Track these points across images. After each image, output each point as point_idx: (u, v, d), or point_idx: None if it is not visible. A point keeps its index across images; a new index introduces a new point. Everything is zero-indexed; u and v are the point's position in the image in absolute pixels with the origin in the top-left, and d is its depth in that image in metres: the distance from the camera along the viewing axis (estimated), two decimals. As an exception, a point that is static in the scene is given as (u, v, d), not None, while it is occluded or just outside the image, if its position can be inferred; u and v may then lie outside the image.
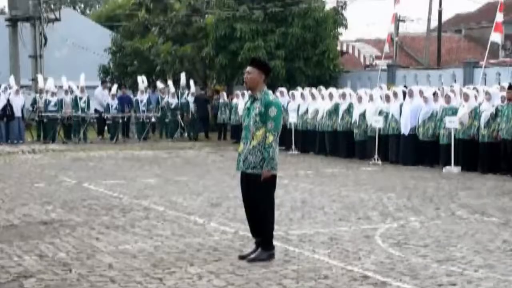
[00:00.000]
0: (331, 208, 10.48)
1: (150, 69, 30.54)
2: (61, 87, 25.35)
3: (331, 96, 19.72)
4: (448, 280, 6.34)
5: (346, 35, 41.68)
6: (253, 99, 7.16)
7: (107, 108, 25.01)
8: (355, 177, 14.69)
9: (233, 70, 27.84)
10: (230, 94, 27.71)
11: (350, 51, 36.75)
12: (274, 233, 7.24)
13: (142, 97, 26.03)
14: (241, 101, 23.36)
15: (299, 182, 13.60)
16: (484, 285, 6.19)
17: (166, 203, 10.95)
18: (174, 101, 26.18)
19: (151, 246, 7.76)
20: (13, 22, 32.96)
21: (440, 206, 10.68)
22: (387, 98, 17.83)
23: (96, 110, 25.59)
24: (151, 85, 29.03)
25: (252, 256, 7.04)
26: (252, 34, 27.16)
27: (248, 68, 7.18)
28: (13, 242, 7.97)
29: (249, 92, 7.33)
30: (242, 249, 7.52)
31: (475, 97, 15.95)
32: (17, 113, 23.71)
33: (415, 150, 16.91)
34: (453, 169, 15.44)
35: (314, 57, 27.83)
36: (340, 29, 29.71)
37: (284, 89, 22.66)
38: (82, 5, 63.96)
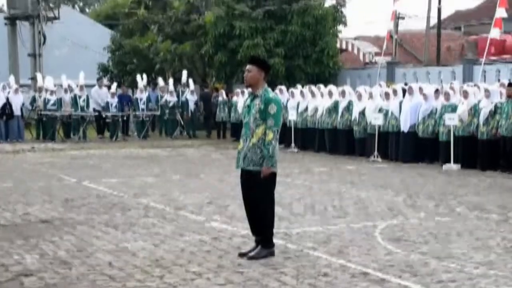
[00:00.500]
0: (331, 205, 10.49)
1: (150, 67, 30.54)
2: (60, 85, 25.36)
3: (330, 93, 19.73)
4: (448, 276, 6.35)
5: (345, 33, 41.59)
6: (253, 96, 7.16)
7: (107, 106, 25.01)
8: (354, 174, 14.70)
9: (233, 68, 27.82)
10: (229, 92, 27.71)
11: (350, 48, 36.75)
12: (274, 230, 7.24)
13: (141, 95, 26.04)
14: (241, 98, 23.36)
15: (298, 180, 13.60)
16: (484, 281, 6.20)
17: (166, 201, 10.96)
18: (172, 99, 26.19)
19: (151, 244, 7.77)
20: (12, 20, 32.94)
21: (440, 203, 10.69)
22: (387, 96, 17.83)
23: (95, 109, 25.61)
24: (151, 83, 29.04)
25: (252, 253, 7.05)
26: (251, 32, 27.14)
27: (248, 66, 7.18)
28: (13, 241, 7.97)
29: (249, 89, 7.34)
30: (242, 247, 7.53)
31: (475, 94, 15.95)
32: (17, 112, 23.73)
33: (414, 147, 16.92)
34: (453, 166, 15.45)
35: (314, 54, 27.82)
36: (340, 27, 29.71)
37: (283, 87, 22.67)
38: (81, 4, 63.94)
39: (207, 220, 9.28)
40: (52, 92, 24.76)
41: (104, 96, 25.69)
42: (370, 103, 18.16)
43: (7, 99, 23.50)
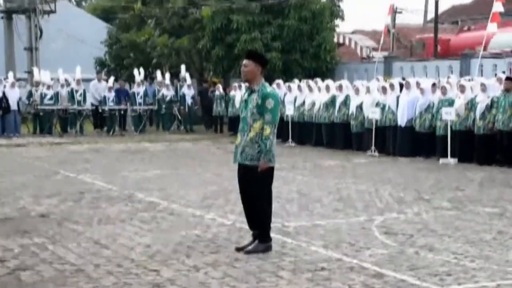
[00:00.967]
0: (328, 200, 10.50)
1: (147, 61, 30.48)
2: (57, 80, 25.32)
3: (328, 88, 19.71)
4: (444, 270, 6.36)
5: (342, 27, 41.58)
6: (251, 91, 7.15)
7: (104, 100, 24.98)
8: (352, 169, 14.71)
9: (230, 62, 27.80)
10: (227, 86, 27.69)
11: (347, 43, 36.74)
12: (271, 225, 7.24)
13: (138, 89, 25.99)
14: (238, 93, 23.34)
15: (295, 174, 13.61)
16: (480, 275, 6.21)
17: (163, 195, 10.96)
18: (169, 94, 26.17)
19: (148, 239, 7.77)
20: (8, 14, 32.83)
21: (437, 197, 10.70)
22: (384, 90, 17.83)
23: (92, 103, 25.59)
24: (148, 77, 29.00)
25: (249, 248, 7.05)
26: (248, 26, 27.11)
27: (245, 61, 7.16)
28: (10, 235, 7.97)
29: (247, 84, 7.33)
30: (239, 241, 7.53)
31: (472, 88, 15.96)
32: (13, 106, 23.65)
33: (411, 141, 16.93)
34: (450, 160, 15.46)
35: (311, 49, 27.80)
36: (337, 21, 29.71)
37: (280, 81, 22.64)
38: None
39: (204, 214, 9.28)
40: (49, 87, 24.72)
41: (102, 90, 25.66)
42: (368, 97, 18.16)
43: (4, 93, 23.44)
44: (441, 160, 15.65)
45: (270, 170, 7.07)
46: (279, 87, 21.58)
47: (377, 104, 17.69)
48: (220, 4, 27.77)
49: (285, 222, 8.67)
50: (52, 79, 25.39)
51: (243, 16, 27.16)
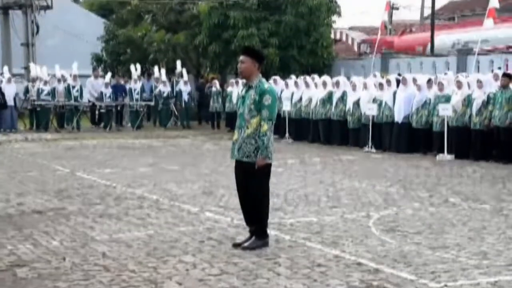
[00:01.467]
0: (325, 196, 10.50)
1: (143, 57, 30.44)
2: (54, 75, 25.28)
3: (324, 84, 19.71)
4: (442, 267, 6.36)
5: (339, 23, 41.69)
6: (248, 87, 7.14)
7: (101, 96, 24.95)
8: (348, 165, 14.71)
9: (227, 58, 27.79)
10: (224, 82, 27.66)
11: (344, 39, 36.74)
12: (268, 221, 7.24)
13: (135, 85, 25.97)
14: (235, 89, 23.33)
15: (292, 170, 13.61)
16: (477, 272, 6.22)
17: (160, 191, 10.95)
18: (166, 90, 26.14)
19: (145, 235, 7.76)
20: (4, 10, 32.80)
21: (433, 194, 10.71)
22: (381, 86, 17.84)
23: (89, 100, 25.57)
24: (145, 73, 28.96)
25: (246, 244, 7.05)
26: (245, 22, 27.08)
27: (241, 57, 7.15)
28: (6, 231, 7.96)
29: (244, 80, 7.32)
30: (236, 237, 7.53)
31: (468, 84, 15.97)
32: (10, 101, 23.63)
33: (408, 137, 16.95)
34: (446, 156, 15.48)
35: (308, 45, 27.80)
36: (334, 17, 29.68)
37: (277, 77, 22.64)
38: (75, -7, 63.55)
39: (201, 210, 9.28)
40: (46, 82, 24.69)
41: (98, 86, 25.63)
42: (364, 93, 18.16)
43: (0, 89, 23.40)
44: (438, 156, 15.67)
45: (268, 167, 7.06)
46: (276, 83, 21.58)
47: (374, 100, 17.70)
48: (217, 0, 27.74)
49: (282, 218, 8.67)
50: (48, 74, 25.36)
51: (240, 12, 27.14)
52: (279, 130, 20.11)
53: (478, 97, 15.31)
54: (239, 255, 6.81)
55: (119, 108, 25.53)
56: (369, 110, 17.50)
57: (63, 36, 37.20)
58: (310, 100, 19.99)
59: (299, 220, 8.61)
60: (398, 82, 17.91)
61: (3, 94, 23.40)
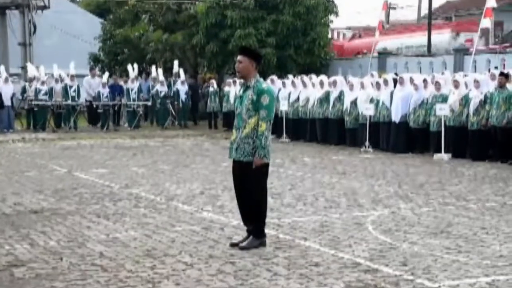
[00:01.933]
0: (322, 195, 10.51)
1: (141, 57, 30.42)
2: (52, 75, 25.26)
3: (322, 83, 19.72)
4: (438, 266, 6.37)
5: (337, 23, 41.69)
6: (246, 87, 7.14)
7: (98, 96, 24.94)
8: (346, 164, 14.72)
9: (224, 58, 27.78)
10: (221, 82, 27.65)
11: (341, 38, 36.75)
12: (266, 220, 7.24)
13: (132, 85, 25.94)
14: (232, 88, 23.33)
15: (290, 170, 13.61)
16: (473, 271, 6.22)
17: (157, 191, 10.95)
18: (163, 89, 26.13)
19: (142, 235, 7.76)
20: (1, 9, 32.76)
21: (431, 193, 10.72)
22: (378, 86, 17.85)
23: (86, 99, 25.56)
24: (143, 73, 28.94)
25: (244, 244, 7.05)
26: (243, 22, 27.07)
27: (239, 57, 7.16)
28: (4, 231, 7.95)
29: (241, 80, 7.32)
30: (234, 237, 7.53)
31: (466, 84, 15.98)
32: (7, 101, 23.61)
33: (405, 137, 16.95)
34: (444, 156, 15.49)
35: (305, 44, 27.80)
36: (331, 17, 29.70)
37: (275, 77, 22.63)
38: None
39: (198, 210, 9.28)
40: (43, 82, 24.66)
41: (95, 86, 25.62)
42: (362, 93, 18.16)
43: (-3, 88, 23.40)
44: (435, 156, 15.68)
45: (265, 166, 7.07)
46: (273, 83, 21.58)
47: (371, 100, 17.71)
48: (214, 0, 27.73)
49: (279, 217, 8.67)
50: (46, 74, 25.34)
51: (237, 11, 27.12)
52: (276, 130, 20.11)
53: (475, 97, 15.33)
54: (236, 254, 6.82)
55: (116, 108, 25.50)
56: (366, 109, 17.51)
57: (60, 35, 37.19)
58: (307, 99, 20.00)
59: (297, 219, 8.61)
60: (395, 81, 17.91)
61: (0, 94, 23.37)
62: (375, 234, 7.76)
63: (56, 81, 24.89)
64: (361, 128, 18.02)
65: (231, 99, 22.82)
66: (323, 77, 20.69)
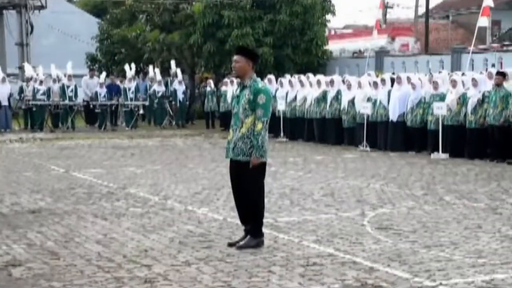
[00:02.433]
0: (320, 195, 10.50)
1: (138, 57, 30.42)
2: (49, 75, 25.25)
3: (319, 83, 19.72)
4: (437, 265, 6.37)
5: (334, 22, 41.75)
6: (242, 86, 7.14)
7: (95, 96, 24.92)
8: (343, 163, 14.72)
9: (221, 58, 27.78)
10: (218, 81, 27.67)
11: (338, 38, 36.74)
12: (263, 220, 7.24)
13: (130, 85, 25.93)
14: (230, 88, 23.32)
15: (287, 169, 13.61)
16: (472, 270, 6.22)
17: (154, 191, 10.94)
18: (161, 89, 26.12)
19: (140, 234, 7.75)
20: (-1, 9, 32.73)
21: (428, 192, 10.73)
22: (375, 85, 17.85)
23: (84, 99, 25.55)
24: (140, 73, 28.93)
25: (241, 243, 7.05)
26: (240, 21, 27.09)
27: (235, 57, 7.15)
28: (1, 231, 7.94)
29: (238, 80, 7.31)
30: (231, 236, 7.53)
31: (463, 83, 15.99)
32: (4, 101, 23.60)
33: (403, 136, 16.96)
34: (441, 155, 15.50)
35: (302, 44, 27.81)
36: (328, 16, 29.71)
37: (272, 77, 22.64)
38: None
39: (196, 209, 9.27)
40: (41, 82, 24.65)
41: (93, 86, 25.61)
42: (359, 92, 18.17)
43: (-5, 89, 23.37)
44: (433, 155, 15.69)
45: (262, 166, 7.06)
46: (270, 83, 21.59)
47: (369, 99, 17.72)
48: (211, 0, 27.73)
49: (277, 217, 8.67)
50: (44, 74, 25.32)
51: (234, 11, 27.14)
52: (273, 129, 20.12)
53: (474, 96, 15.33)
54: (234, 254, 6.81)
55: (113, 108, 25.48)
56: (364, 109, 17.52)
57: (58, 35, 37.18)
58: (304, 99, 20.00)
59: (294, 218, 8.61)
60: (392, 81, 17.92)
61: (-3, 94, 23.36)
62: (372, 233, 7.76)
63: (54, 81, 24.86)
64: (358, 128, 18.02)
65: (228, 99, 22.82)
66: (320, 76, 20.69)
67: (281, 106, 20.29)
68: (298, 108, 20.23)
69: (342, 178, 12.41)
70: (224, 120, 23.88)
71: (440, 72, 19.26)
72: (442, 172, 13.19)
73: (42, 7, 33.26)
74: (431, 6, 37.49)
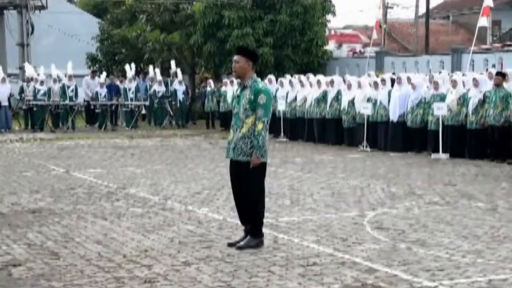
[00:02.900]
0: (320, 195, 10.50)
1: (138, 57, 30.42)
2: (50, 75, 25.25)
3: (319, 83, 19.72)
4: (436, 265, 6.37)
5: (334, 22, 41.75)
6: (243, 87, 7.14)
7: (96, 96, 24.93)
8: (343, 164, 14.72)
9: (222, 58, 27.78)
10: (219, 81, 27.68)
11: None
12: (263, 220, 7.24)
13: (130, 85, 25.93)
14: (230, 88, 23.32)
15: (287, 169, 13.61)
16: (472, 270, 6.23)
17: (154, 191, 10.94)
18: (161, 89, 26.12)
19: (140, 234, 7.75)
20: (-1, 10, 32.73)
21: (428, 192, 10.72)
22: (376, 85, 17.85)
23: (85, 99, 25.57)
24: (140, 73, 28.93)
25: (241, 243, 7.05)
26: (240, 22, 27.09)
27: (235, 57, 7.16)
28: (1, 231, 7.94)
29: (238, 80, 7.32)
30: (231, 236, 7.53)
31: (464, 83, 15.99)
32: (4, 101, 23.60)
33: (403, 136, 16.95)
34: (441, 155, 15.49)
35: (303, 44, 27.82)
36: (328, 16, 29.72)
37: (272, 77, 22.64)
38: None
39: (196, 209, 9.27)
40: (42, 82, 24.65)
41: (94, 86, 25.62)
42: (359, 92, 18.16)
43: (-5, 89, 23.37)
44: (433, 155, 15.68)
45: (263, 166, 7.06)
46: (270, 83, 21.60)
47: (369, 99, 17.71)
48: (212, 0, 27.74)
49: (277, 217, 8.67)
50: (44, 74, 25.32)
51: (234, 11, 27.14)
52: (274, 129, 20.13)
53: (474, 96, 15.32)
54: (234, 254, 6.81)
55: (114, 108, 25.48)
56: (364, 109, 17.51)
57: (58, 36, 37.19)
58: (305, 99, 20.00)
59: (294, 219, 8.61)
60: (392, 81, 17.92)
61: (-3, 94, 23.35)
62: (373, 234, 7.76)
63: (54, 81, 24.87)
64: (358, 128, 18.02)
65: (229, 99, 22.82)
66: (320, 76, 20.68)
67: (281, 106, 20.29)
68: (298, 108, 20.23)
69: (342, 178, 12.41)
70: (224, 120, 23.88)
71: (440, 72, 19.25)
72: (442, 173, 13.19)
73: (42, 7, 33.25)
74: (431, 6, 37.49)
